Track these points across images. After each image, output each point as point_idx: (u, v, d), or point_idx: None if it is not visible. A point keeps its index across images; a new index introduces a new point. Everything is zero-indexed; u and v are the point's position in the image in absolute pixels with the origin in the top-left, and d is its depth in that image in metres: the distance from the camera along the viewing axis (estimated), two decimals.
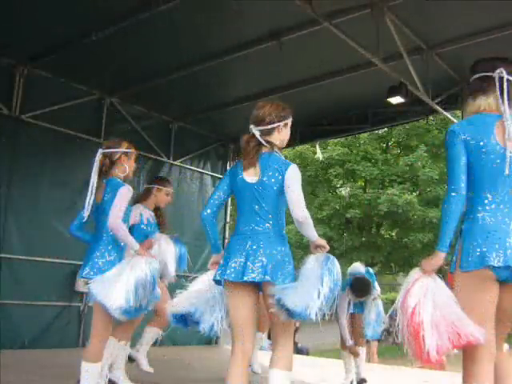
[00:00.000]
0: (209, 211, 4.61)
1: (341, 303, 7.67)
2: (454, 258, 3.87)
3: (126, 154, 5.65)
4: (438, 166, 26.92)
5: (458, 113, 15.29)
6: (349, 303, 7.90)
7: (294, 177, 4.37)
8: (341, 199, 29.34)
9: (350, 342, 7.85)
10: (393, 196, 26.24)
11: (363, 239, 29.97)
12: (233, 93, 11.69)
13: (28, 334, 10.11)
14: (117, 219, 5.22)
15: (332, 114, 12.86)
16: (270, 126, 4.53)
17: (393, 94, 9.78)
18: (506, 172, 3.77)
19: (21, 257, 10.13)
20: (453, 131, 3.89)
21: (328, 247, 4.49)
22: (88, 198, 5.49)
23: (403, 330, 3.78)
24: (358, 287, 7.72)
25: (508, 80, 3.91)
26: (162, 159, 12.82)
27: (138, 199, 7.27)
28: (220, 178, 12.93)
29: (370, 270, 8.54)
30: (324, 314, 4.21)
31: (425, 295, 3.78)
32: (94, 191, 5.49)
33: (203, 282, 4.91)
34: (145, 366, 7.10)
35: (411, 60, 9.21)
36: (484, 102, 3.97)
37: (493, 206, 3.80)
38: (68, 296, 10.81)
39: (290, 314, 4.12)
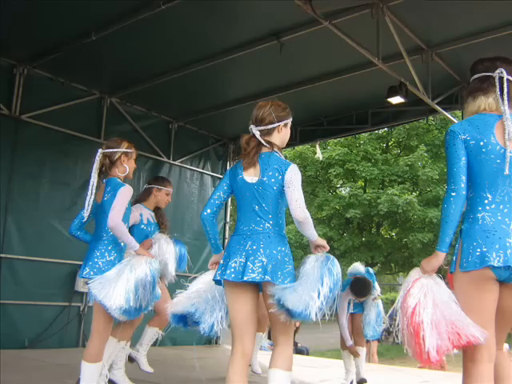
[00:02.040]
0: (209, 211, 4.61)
1: (341, 303, 7.67)
2: (454, 258, 3.87)
3: (126, 153, 5.65)
4: (438, 166, 26.98)
5: (458, 113, 15.32)
6: (349, 303, 7.91)
7: (294, 177, 4.37)
8: (341, 199, 29.35)
9: (349, 342, 7.85)
10: (393, 196, 26.28)
11: (363, 239, 30.03)
12: (233, 93, 11.69)
13: (28, 334, 10.11)
14: (116, 219, 5.22)
15: (332, 114, 12.88)
16: (269, 126, 4.53)
17: (392, 94, 9.75)
18: (506, 172, 3.77)
19: (21, 257, 10.14)
20: (453, 131, 3.89)
21: (328, 247, 4.50)
22: (88, 198, 5.50)
23: (403, 330, 3.79)
24: (359, 287, 7.71)
25: (508, 80, 3.91)
26: (162, 159, 12.82)
27: (138, 199, 7.28)
28: (220, 178, 12.98)
29: (370, 270, 8.52)
30: (324, 314, 4.22)
31: (425, 295, 3.78)
32: (93, 191, 5.50)
33: (203, 282, 4.91)
34: (145, 366, 7.11)
35: (411, 60, 9.22)
36: (484, 102, 3.97)
37: (493, 206, 3.79)
38: (68, 296, 10.81)
39: (290, 314, 4.12)
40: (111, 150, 5.61)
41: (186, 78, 10.53)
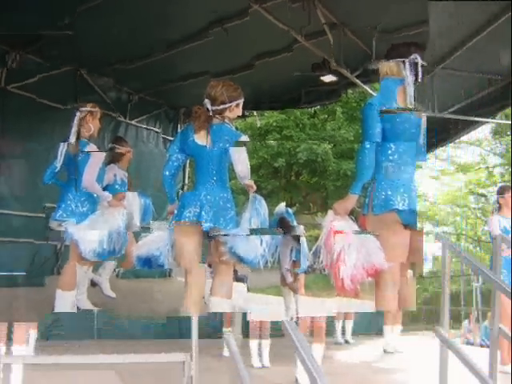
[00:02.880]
0: (167, 173, 4.59)
1: (283, 250, 7.57)
2: (367, 200, 3.89)
3: (91, 112, 5.58)
4: (354, 128, 26.19)
5: (377, 85, 15.20)
6: (291, 250, 7.80)
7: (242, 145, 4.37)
8: (269, 148, 27.83)
9: (290, 279, 7.80)
10: (312, 145, 25.30)
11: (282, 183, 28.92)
12: (188, 71, 11.42)
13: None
14: (91, 179, 5.20)
15: (277, 94, 12.70)
16: (221, 107, 4.43)
17: (317, 70, 9.65)
18: (421, 142, 3.81)
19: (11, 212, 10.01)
20: (370, 103, 3.91)
21: (255, 187, 4.54)
22: (60, 148, 5.42)
23: (327, 266, 3.83)
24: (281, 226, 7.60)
25: (422, 65, 3.88)
26: (120, 119, 12.51)
27: (111, 160, 7.08)
28: (170, 140, 12.83)
29: (289, 209, 8.46)
30: (267, 261, 4.23)
31: (350, 245, 3.79)
32: (66, 145, 5.42)
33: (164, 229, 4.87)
34: (107, 290, 6.86)
35: (333, 35, 8.91)
36: (386, 66, 3.95)
37: (396, 156, 3.81)
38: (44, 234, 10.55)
39: (242, 260, 4.12)
40: (80, 109, 5.54)
41: (144, 65, 10.41)
